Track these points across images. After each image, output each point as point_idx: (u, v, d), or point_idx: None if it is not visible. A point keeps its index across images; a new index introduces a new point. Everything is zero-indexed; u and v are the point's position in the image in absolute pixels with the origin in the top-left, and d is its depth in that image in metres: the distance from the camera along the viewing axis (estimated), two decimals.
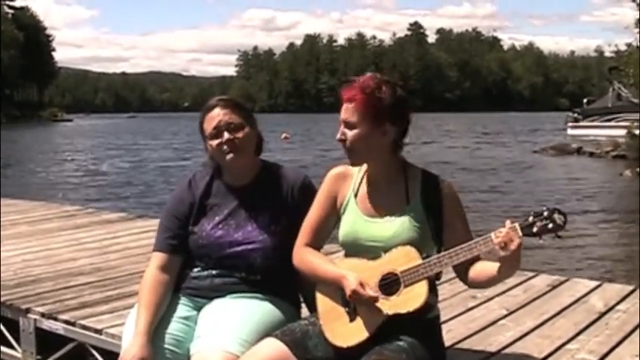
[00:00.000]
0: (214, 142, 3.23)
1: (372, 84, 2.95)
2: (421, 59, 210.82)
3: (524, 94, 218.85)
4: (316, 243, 3.16)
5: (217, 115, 3.25)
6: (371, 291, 2.88)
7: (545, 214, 2.77)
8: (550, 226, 2.75)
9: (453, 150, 39.07)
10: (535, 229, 2.76)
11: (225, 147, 3.22)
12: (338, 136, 2.98)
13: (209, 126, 3.25)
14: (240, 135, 3.25)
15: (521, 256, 2.79)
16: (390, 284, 2.89)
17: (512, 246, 2.74)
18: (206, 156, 3.37)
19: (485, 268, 2.94)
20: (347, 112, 2.96)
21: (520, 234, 2.76)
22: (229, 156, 3.24)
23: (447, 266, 2.87)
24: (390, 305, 2.88)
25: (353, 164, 3.07)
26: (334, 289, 3.01)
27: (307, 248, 3.14)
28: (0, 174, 23.82)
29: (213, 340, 2.99)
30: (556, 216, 2.76)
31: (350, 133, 2.96)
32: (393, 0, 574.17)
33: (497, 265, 2.86)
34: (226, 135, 3.22)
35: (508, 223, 2.80)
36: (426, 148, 37.41)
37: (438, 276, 2.98)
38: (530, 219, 2.77)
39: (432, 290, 2.98)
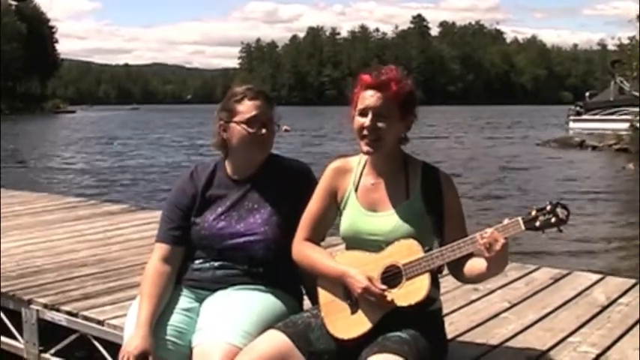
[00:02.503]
0: (250, 129, 3.22)
1: (401, 76, 2.97)
2: (424, 52, 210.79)
3: (527, 87, 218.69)
4: (315, 237, 3.16)
5: (260, 106, 3.26)
6: (379, 284, 2.89)
7: (548, 208, 2.76)
8: (553, 220, 2.75)
9: (455, 143, 39.04)
10: (538, 224, 2.76)
11: (259, 140, 3.24)
12: (369, 123, 2.93)
13: (248, 111, 3.23)
14: (271, 132, 3.28)
15: (507, 253, 2.80)
16: (392, 277, 2.90)
17: (497, 246, 2.75)
18: (215, 138, 3.35)
19: (475, 264, 2.94)
20: (378, 101, 2.93)
21: (523, 228, 2.77)
22: (259, 150, 3.29)
23: (449, 259, 2.87)
24: (392, 298, 2.88)
25: (371, 154, 3.02)
26: (335, 281, 3.01)
27: (306, 242, 3.14)
28: (0, 165, 23.77)
29: (216, 332, 2.99)
30: (559, 210, 2.76)
31: (381, 124, 2.94)
32: None
33: (482, 264, 2.87)
34: (264, 130, 3.25)
35: (507, 220, 2.80)
36: (430, 142, 37.33)
37: (440, 269, 2.98)
38: (533, 213, 2.77)
39: (434, 283, 2.98)
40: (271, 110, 3.30)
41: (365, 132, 2.95)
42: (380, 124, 2.93)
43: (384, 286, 2.89)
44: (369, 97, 2.94)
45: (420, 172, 3.06)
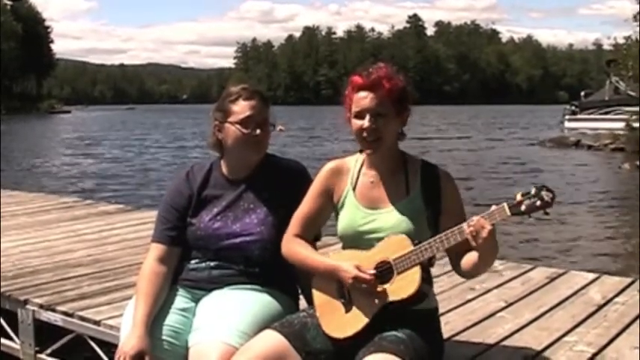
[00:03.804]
0: (245, 130, 3.22)
1: (392, 72, 2.97)
2: (420, 52, 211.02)
3: (523, 86, 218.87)
4: (306, 235, 3.16)
5: (255, 106, 3.24)
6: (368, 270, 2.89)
7: (533, 192, 2.75)
8: (538, 203, 2.74)
9: (451, 143, 39.06)
10: (523, 208, 2.75)
11: (253, 141, 3.23)
12: (367, 124, 2.93)
13: (243, 112, 3.22)
14: (266, 132, 3.27)
15: (495, 239, 2.80)
16: (383, 272, 2.90)
17: (484, 233, 2.74)
18: (210, 138, 3.34)
19: (469, 256, 2.94)
20: (372, 101, 2.93)
21: (508, 213, 2.76)
22: (254, 151, 3.28)
23: (438, 251, 2.86)
24: (385, 293, 2.89)
25: (373, 153, 3.02)
26: (329, 281, 3.01)
27: (297, 239, 3.14)
28: (0, 166, 23.71)
29: (212, 332, 2.99)
30: (543, 193, 2.74)
31: (379, 124, 2.94)
32: None
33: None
34: (259, 131, 3.23)
35: (494, 207, 2.80)
36: (426, 142, 37.35)
37: (431, 262, 2.99)
38: (518, 197, 2.76)
39: (427, 280, 2.99)
40: (267, 110, 3.29)
41: (364, 134, 2.95)
42: (378, 124, 2.93)
43: (372, 271, 2.89)
44: (363, 99, 2.94)
45: (420, 170, 3.06)
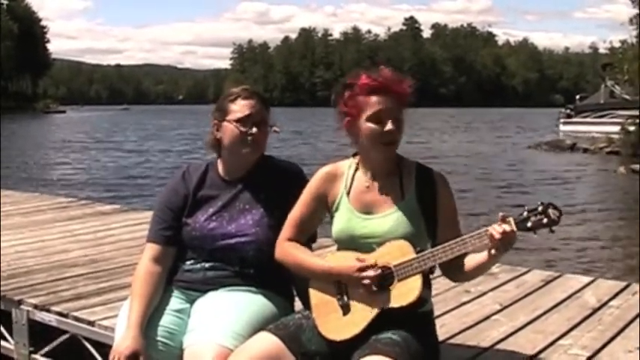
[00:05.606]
0: (242, 128, 3.22)
1: (399, 75, 2.98)
2: (416, 54, 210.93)
3: (519, 89, 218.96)
4: (299, 238, 3.14)
5: (254, 106, 3.25)
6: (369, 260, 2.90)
7: (540, 209, 2.76)
8: (544, 221, 2.75)
9: (447, 145, 39.08)
10: (529, 224, 2.76)
11: (249, 139, 3.23)
12: (392, 127, 2.90)
13: (241, 110, 3.23)
14: (264, 132, 3.27)
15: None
16: (383, 278, 2.89)
17: (511, 240, 2.76)
18: (208, 137, 3.35)
19: (471, 260, 2.94)
20: (392, 104, 2.92)
21: (514, 229, 2.76)
22: (249, 149, 3.26)
23: (440, 260, 2.87)
24: (384, 299, 2.88)
25: (389, 157, 3.01)
26: (327, 282, 3.01)
27: (291, 242, 3.13)
28: (0, 166, 23.62)
29: (207, 334, 2.99)
30: (550, 211, 2.76)
31: (400, 126, 2.94)
32: None
33: (481, 255, 2.88)
34: (255, 129, 3.23)
35: (501, 216, 2.80)
36: (421, 143, 37.35)
37: (431, 270, 2.98)
38: (525, 214, 2.77)
39: (426, 284, 2.98)
40: (265, 111, 3.29)
41: (386, 138, 2.92)
42: (399, 127, 2.93)
43: (372, 260, 2.89)
44: (382, 102, 2.91)
45: (415, 173, 3.05)
